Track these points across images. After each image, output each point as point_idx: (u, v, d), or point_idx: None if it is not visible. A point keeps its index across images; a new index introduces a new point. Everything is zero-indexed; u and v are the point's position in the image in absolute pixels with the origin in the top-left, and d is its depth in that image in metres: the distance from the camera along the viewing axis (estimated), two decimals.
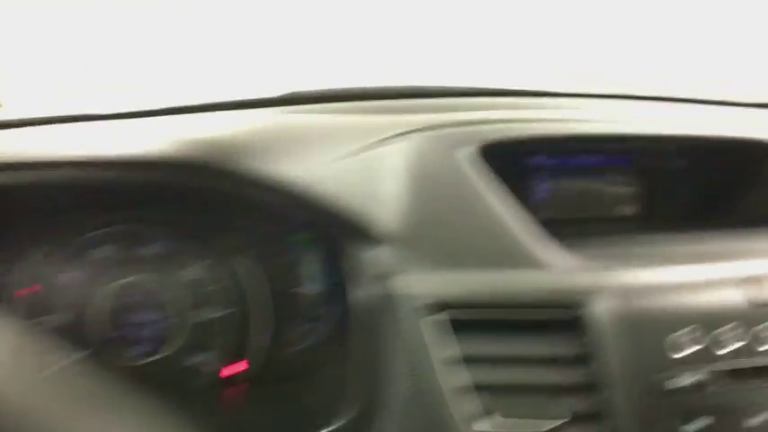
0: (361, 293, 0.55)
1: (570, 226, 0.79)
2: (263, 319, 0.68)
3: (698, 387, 0.52)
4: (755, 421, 0.52)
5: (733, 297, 0.55)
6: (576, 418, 0.52)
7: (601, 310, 0.53)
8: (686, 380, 0.51)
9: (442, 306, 0.53)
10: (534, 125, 0.71)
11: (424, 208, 0.58)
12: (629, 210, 0.87)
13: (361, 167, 0.58)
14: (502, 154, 0.78)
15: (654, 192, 0.87)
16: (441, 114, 0.69)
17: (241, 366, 0.67)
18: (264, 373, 0.67)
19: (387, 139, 0.63)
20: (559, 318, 0.53)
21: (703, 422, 0.51)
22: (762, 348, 0.53)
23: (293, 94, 0.81)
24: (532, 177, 0.84)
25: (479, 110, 0.74)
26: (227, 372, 0.67)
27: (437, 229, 0.57)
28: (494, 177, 0.63)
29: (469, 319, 0.53)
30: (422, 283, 0.54)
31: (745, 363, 0.53)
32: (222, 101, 0.77)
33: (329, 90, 0.82)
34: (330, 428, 0.54)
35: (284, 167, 0.57)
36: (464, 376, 0.52)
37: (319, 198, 0.56)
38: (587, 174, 0.86)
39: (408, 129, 0.64)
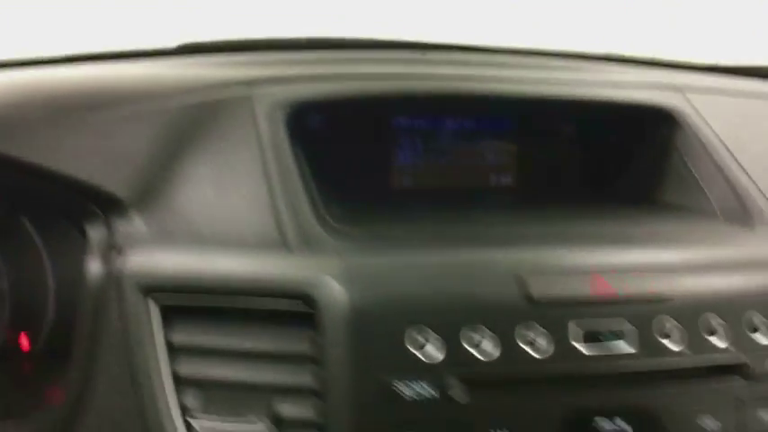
0: (92, 270, 0.52)
1: (438, 195, 0.74)
2: None
3: (439, 395, 0.47)
4: None
5: (502, 290, 0.49)
6: (290, 424, 0.49)
7: (335, 301, 0.48)
8: (427, 389, 0.47)
9: (154, 288, 0.49)
10: (373, 82, 0.65)
11: (169, 176, 0.54)
12: (505, 179, 0.80)
13: (119, 131, 0.54)
14: (362, 114, 0.73)
15: (536, 160, 0.80)
16: (278, 68, 0.65)
17: None
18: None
19: (181, 98, 0.58)
20: (284, 309, 0.49)
21: None
22: (528, 353, 0.48)
23: (185, 44, 0.77)
24: (398, 141, 0.78)
25: (321, 65, 0.69)
26: None
27: (177, 201, 0.53)
28: (297, 141, 0.59)
29: (183, 305, 0.50)
30: (146, 261, 0.51)
31: (507, 370, 0.48)
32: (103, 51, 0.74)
33: (223, 41, 0.78)
34: (41, 413, 0.52)
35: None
36: (178, 367, 0.49)
37: (56, 166, 0.52)
38: (460, 138, 0.79)
39: (211, 84, 0.59)
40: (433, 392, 0.46)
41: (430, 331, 0.47)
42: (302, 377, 0.48)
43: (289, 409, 0.49)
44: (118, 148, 0.53)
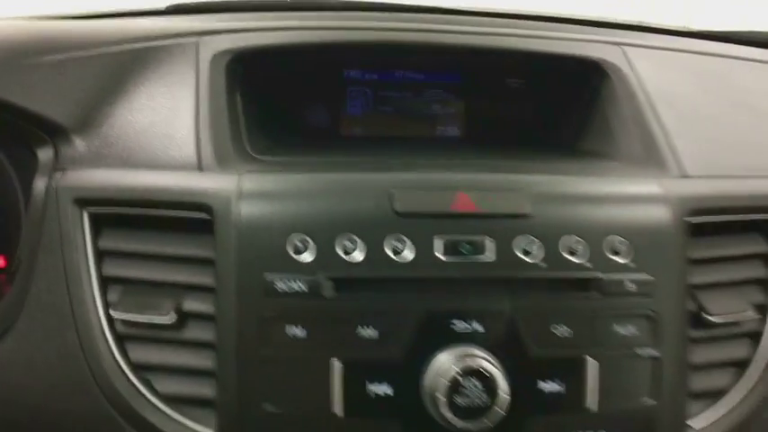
0: (39, 186, 0.61)
1: (387, 144, 0.81)
2: None
3: (310, 291, 0.54)
4: (366, 333, 0.54)
5: (373, 204, 0.55)
6: (192, 317, 0.57)
7: (228, 211, 0.55)
8: (301, 285, 0.54)
9: (88, 202, 0.58)
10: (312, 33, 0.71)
11: (108, 108, 0.62)
12: (452, 130, 0.86)
13: (67, 71, 0.63)
14: (315, 66, 0.80)
15: (482, 112, 0.85)
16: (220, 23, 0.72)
17: None
18: None
19: (127, 45, 0.67)
20: (191, 218, 0.57)
21: (311, 328, 0.54)
22: (393, 258, 0.54)
23: (175, 5, 0.85)
24: (350, 92, 0.84)
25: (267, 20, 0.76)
26: None
27: (115, 129, 0.62)
28: (249, 88, 0.67)
29: (110, 215, 0.58)
30: (81, 178, 0.59)
31: (371, 272, 0.54)
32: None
33: (210, 1, 0.86)
34: None
35: None
36: (104, 268, 0.58)
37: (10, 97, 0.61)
38: (409, 90, 0.85)
39: (162, 36, 0.67)
40: (306, 289, 0.53)
41: (308, 239, 0.54)
42: (203, 277, 0.56)
43: (191, 304, 0.57)
44: (65, 85, 0.62)
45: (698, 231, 0.61)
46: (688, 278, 0.59)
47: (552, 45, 0.73)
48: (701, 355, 0.60)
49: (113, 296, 0.58)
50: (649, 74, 0.72)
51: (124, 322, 0.57)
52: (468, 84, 0.84)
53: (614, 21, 0.89)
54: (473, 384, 0.51)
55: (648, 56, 0.74)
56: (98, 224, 0.59)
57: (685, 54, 0.78)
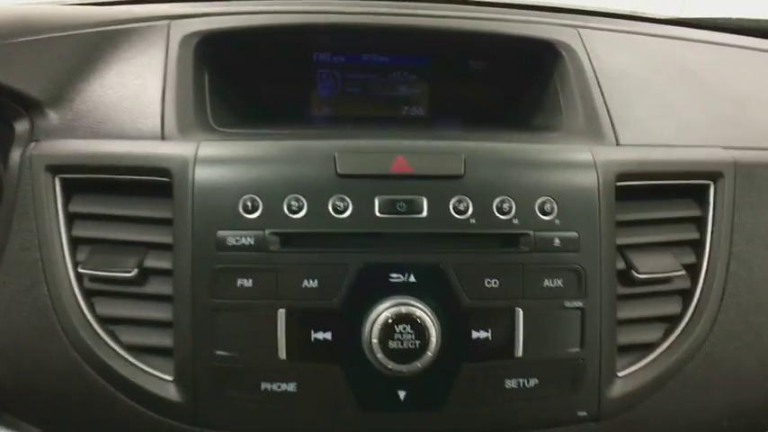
0: (15, 155, 0.66)
1: (350, 123, 0.85)
2: None
3: (258, 245, 0.58)
4: (308, 284, 0.58)
5: (317, 167, 0.60)
6: (153, 272, 0.61)
7: (185, 175, 0.60)
8: (249, 240, 0.58)
9: (59, 169, 0.63)
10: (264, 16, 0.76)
11: (81, 85, 0.67)
12: (417, 110, 0.90)
13: (42, 50, 0.68)
14: (286, 49, 0.84)
15: (447, 93, 0.89)
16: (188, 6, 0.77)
17: None
18: None
19: (101, 26, 0.72)
20: (152, 182, 0.61)
21: (258, 279, 0.58)
22: (334, 216, 0.59)
23: None
24: (320, 74, 0.89)
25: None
26: None
27: (86, 103, 0.66)
28: (221, 70, 0.71)
29: (80, 181, 0.63)
30: (53, 148, 0.64)
31: (313, 228, 0.58)
32: None
33: None
34: None
35: None
36: (73, 230, 0.63)
37: None
38: (376, 72, 0.89)
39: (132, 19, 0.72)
40: (253, 243, 0.58)
41: (258, 199, 0.58)
42: (163, 236, 0.61)
43: (152, 261, 0.61)
44: (41, 63, 0.67)
45: (632, 195, 0.64)
46: (618, 238, 0.63)
47: (512, 27, 0.77)
48: (631, 310, 0.63)
49: (82, 255, 0.63)
50: (600, 53, 0.75)
51: (91, 278, 0.62)
52: (432, 66, 0.88)
53: (575, 7, 0.92)
54: (405, 330, 0.55)
55: (602, 37, 0.78)
56: (68, 190, 0.64)
57: (639, 36, 0.81)
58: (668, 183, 0.66)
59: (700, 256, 0.66)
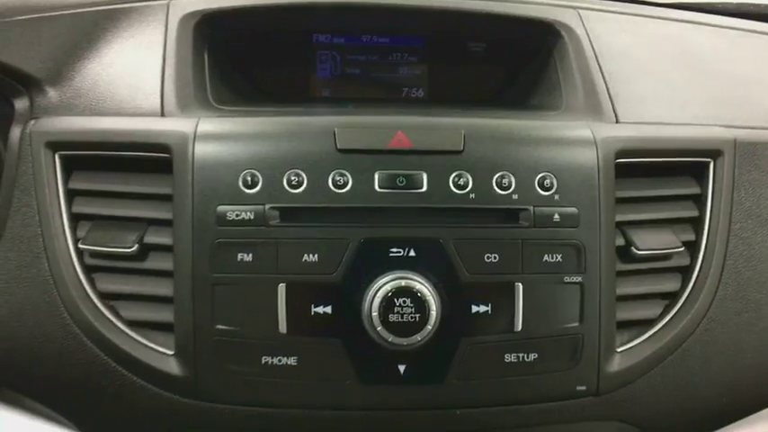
0: (15, 132, 0.66)
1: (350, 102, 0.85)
2: None
3: (258, 220, 0.58)
4: (309, 258, 0.58)
5: (318, 142, 0.60)
6: (153, 248, 0.62)
7: (185, 151, 0.60)
8: (249, 214, 0.58)
9: (58, 145, 0.63)
10: None
11: (80, 62, 0.67)
12: (417, 91, 0.90)
13: (42, 30, 0.68)
14: (286, 30, 0.84)
15: (447, 74, 0.89)
16: None
17: None
18: None
19: (100, 6, 0.71)
20: (153, 158, 0.61)
21: (258, 254, 0.58)
22: (334, 191, 0.59)
23: None
24: (319, 55, 0.88)
25: None
26: None
27: (86, 81, 0.66)
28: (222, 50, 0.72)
29: (80, 157, 0.63)
30: (52, 125, 0.64)
31: (312, 202, 0.59)
32: None
33: None
34: None
35: None
36: (73, 206, 0.63)
37: None
38: (376, 54, 0.89)
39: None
40: (253, 218, 0.58)
41: (258, 174, 0.58)
42: (163, 212, 0.61)
43: (152, 236, 0.62)
44: (40, 42, 0.66)
45: (631, 173, 0.64)
46: (618, 215, 0.63)
47: (511, 8, 0.77)
48: (631, 286, 0.64)
49: (82, 232, 0.63)
50: (600, 33, 0.75)
51: (92, 254, 0.62)
52: (432, 48, 0.88)
53: None
54: (405, 304, 0.56)
55: (602, 18, 0.78)
56: (68, 166, 0.64)
57: (640, 18, 0.81)
58: (668, 160, 0.66)
59: (699, 233, 0.66)
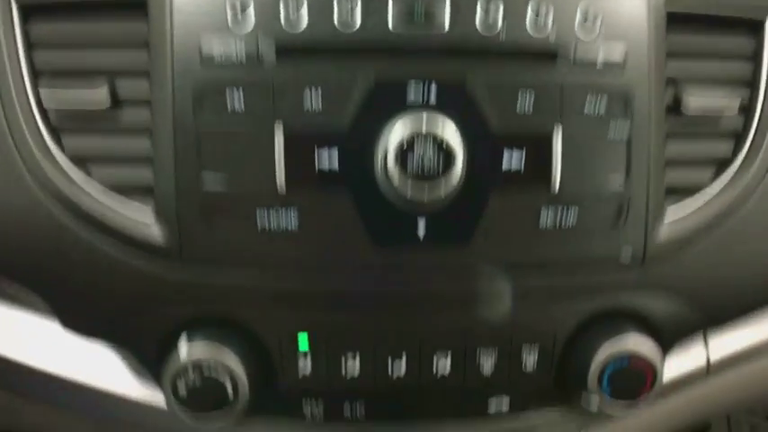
0: None
1: None
2: None
3: (250, 57, 0.49)
4: (311, 101, 0.49)
5: None
6: (127, 103, 0.53)
7: None
8: (238, 49, 0.49)
9: None
10: None
11: None
12: None
13: None
14: None
15: None
16: None
17: None
18: None
19: None
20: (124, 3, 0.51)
21: (251, 98, 0.49)
22: (342, 31, 0.49)
23: None
24: None
25: None
26: None
27: None
28: None
29: (39, 4, 0.53)
30: None
31: (315, 36, 0.49)
32: None
33: None
34: None
35: None
36: (37, 59, 0.53)
37: None
38: None
39: None
40: (245, 55, 0.49)
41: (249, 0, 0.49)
42: (138, 62, 0.52)
43: (127, 90, 0.52)
44: None
45: (682, 27, 0.56)
46: (667, 69, 0.54)
47: None
48: (680, 148, 0.56)
49: (45, 89, 0.53)
50: None
51: (58, 112, 0.53)
52: None
53: None
54: (426, 153, 0.47)
55: None
56: (27, 14, 0.54)
57: None
58: (721, 16, 0.57)
59: (754, 97, 0.58)
